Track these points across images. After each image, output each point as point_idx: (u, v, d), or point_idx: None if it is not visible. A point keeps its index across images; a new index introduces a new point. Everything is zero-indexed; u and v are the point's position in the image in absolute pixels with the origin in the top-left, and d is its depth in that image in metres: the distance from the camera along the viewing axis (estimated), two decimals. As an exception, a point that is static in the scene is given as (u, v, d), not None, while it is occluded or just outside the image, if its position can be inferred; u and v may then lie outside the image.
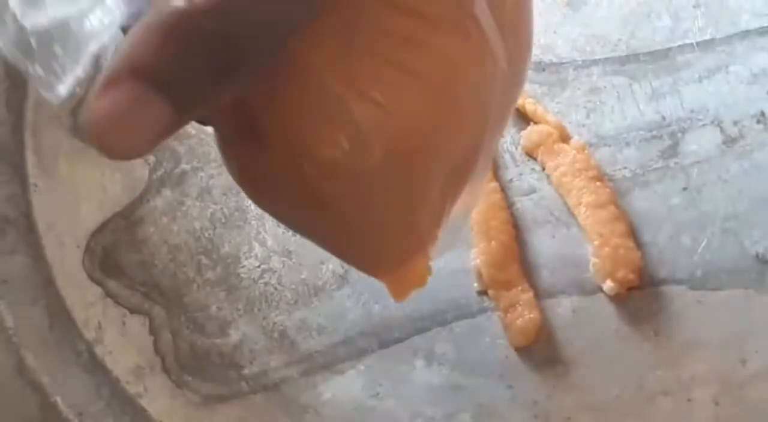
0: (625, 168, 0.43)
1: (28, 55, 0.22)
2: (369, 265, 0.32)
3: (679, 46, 0.44)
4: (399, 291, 0.33)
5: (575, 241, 0.42)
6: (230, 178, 0.46)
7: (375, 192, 0.26)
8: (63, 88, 0.21)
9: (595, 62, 0.44)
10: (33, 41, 0.21)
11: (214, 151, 0.46)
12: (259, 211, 0.44)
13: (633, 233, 0.41)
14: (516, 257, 0.41)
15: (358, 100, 0.24)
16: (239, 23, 0.20)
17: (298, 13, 0.22)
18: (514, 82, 0.29)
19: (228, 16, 0.19)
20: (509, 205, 0.43)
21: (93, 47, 0.21)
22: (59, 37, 0.21)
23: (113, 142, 0.19)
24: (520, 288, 0.41)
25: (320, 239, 0.30)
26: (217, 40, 0.20)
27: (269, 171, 0.26)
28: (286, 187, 0.26)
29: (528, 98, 0.44)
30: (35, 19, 0.21)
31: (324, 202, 0.26)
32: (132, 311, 0.44)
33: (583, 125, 0.44)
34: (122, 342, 0.44)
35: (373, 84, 0.24)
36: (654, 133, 0.43)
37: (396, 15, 0.24)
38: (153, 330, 0.44)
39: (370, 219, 0.28)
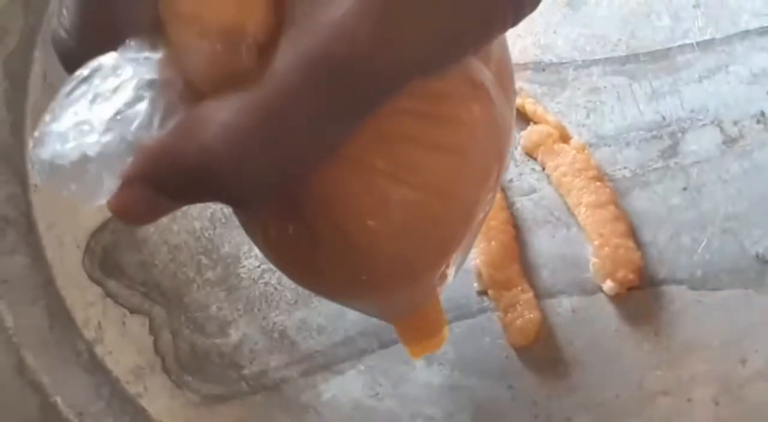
0: (625, 168, 0.43)
1: (64, 181, 0.23)
2: (388, 316, 0.34)
3: (679, 46, 0.44)
4: (416, 352, 0.36)
5: (575, 241, 0.42)
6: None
7: (410, 261, 0.28)
8: (100, 199, 0.23)
9: (595, 62, 0.44)
10: (69, 167, 0.23)
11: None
12: (259, 211, 0.45)
13: (633, 233, 0.41)
14: (516, 257, 0.41)
15: (395, 185, 0.26)
16: (231, 184, 0.23)
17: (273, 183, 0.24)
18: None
19: (220, 178, 0.23)
20: (509, 205, 0.43)
21: (124, 162, 0.23)
22: (94, 159, 0.23)
23: (128, 220, 0.24)
24: (520, 288, 0.41)
25: (346, 303, 0.32)
26: (215, 190, 0.24)
27: (315, 257, 0.27)
28: (334, 273, 0.28)
29: (528, 98, 0.44)
30: (69, 156, 0.23)
31: (363, 281, 0.28)
32: (132, 311, 0.44)
33: (583, 125, 0.44)
34: (122, 342, 0.44)
35: (407, 167, 0.26)
36: (654, 133, 0.43)
37: (412, 99, 0.25)
38: (153, 330, 0.44)
39: (400, 283, 0.29)
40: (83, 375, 0.44)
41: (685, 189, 0.42)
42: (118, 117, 0.22)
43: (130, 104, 0.22)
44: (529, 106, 0.43)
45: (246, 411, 0.42)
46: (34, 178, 0.47)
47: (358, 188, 0.26)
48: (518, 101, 0.43)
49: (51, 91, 0.48)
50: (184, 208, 0.45)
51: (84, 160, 0.22)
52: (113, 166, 0.23)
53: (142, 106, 0.22)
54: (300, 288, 0.43)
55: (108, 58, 0.23)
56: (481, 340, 0.41)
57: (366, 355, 0.42)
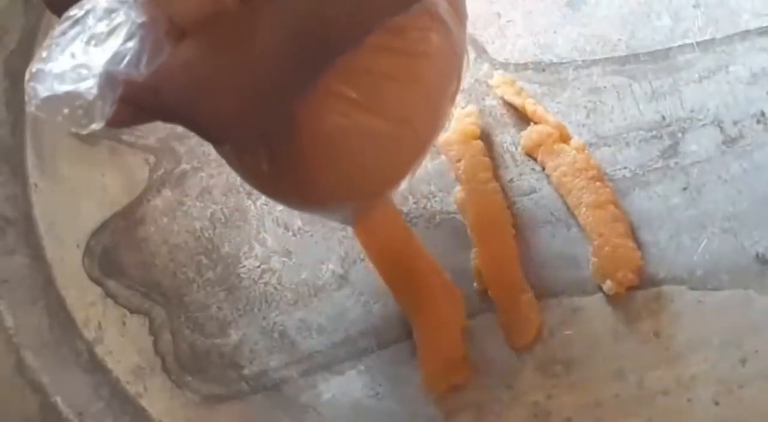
0: (625, 168, 0.43)
1: (56, 107, 0.24)
2: (349, 219, 0.38)
3: (679, 46, 0.44)
4: (436, 385, 0.40)
5: (575, 241, 0.42)
6: (230, 177, 0.46)
7: (374, 180, 0.32)
8: (96, 123, 0.25)
9: (595, 62, 0.44)
10: (62, 96, 0.24)
11: (214, 150, 0.46)
12: (259, 211, 0.45)
13: (633, 233, 0.41)
14: (516, 257, 0.41)
15: (365, 114, 0.29)
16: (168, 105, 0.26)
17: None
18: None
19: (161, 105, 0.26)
20: (509, 205, 0.42)
21: (115, 92, 0.25)
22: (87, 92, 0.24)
23: (115, 126, 0.26)
24: (520, 288, 0.41)
25: (313, 211, 0.36)
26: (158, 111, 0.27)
27: (287, 175, 0.30)
28: (292, 188, 0.31)
29: (528, 98, 0.44)
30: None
31: (328, 195, 0.31)
32: (132, 311, 0.44)
33: (583, 125, 0.44)
34: (122, 342, 0.44)
35: (375, 98, 0.29)
36: (654, 133, 0.43)
37: (377, 34, 0.27)
38: (153, 330, 0.44)
39: (364, 196, 0.33)
40: (83, 375, 0.44)
41: (685, 189, 0.42)
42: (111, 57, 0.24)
43: (121, 47, 0.24)
44: (529, 106, 0.43)
45: (246, 411, 0.42)
46: (34, 177, 0.47)
47: (331, 116, 0.28)
48: (518, 101, 0.43)
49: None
50: (184, 207, 0.45)
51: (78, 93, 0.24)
52: (105, 95, 0.24)
53: (131, 45, 0.24)
54: (300, 288, 0.43)
55: (102, 1, 0.24)
56: (480, 340, 0.41)
57: (366, 355, 0.42)
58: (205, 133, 0.26)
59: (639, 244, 0.41)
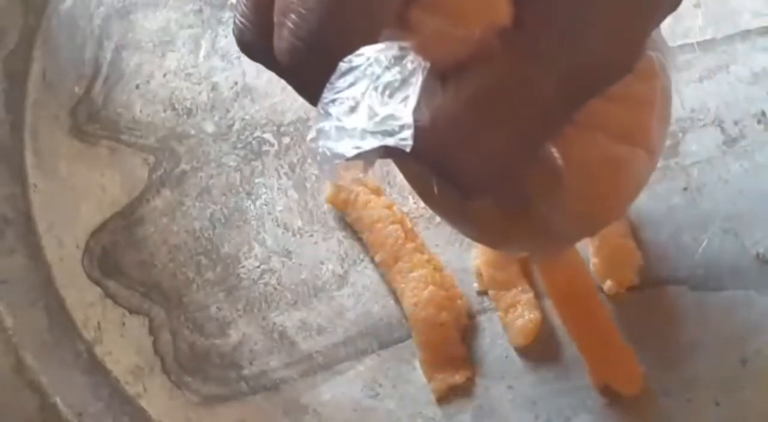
0: (625, 168, 0.42)
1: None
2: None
3: (679, 45, 0.44)
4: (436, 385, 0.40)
5: (575, 241, 0.42)
6: (230, 177, 0.46)
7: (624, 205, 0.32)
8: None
9: (596, 62, 0.44)
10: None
11: (213, 151, 0.46)
12: (259, 211, 0.45)
13: (633, 233, 0.41)
14: (516, 257, 0.41)
15: (614, 142, 0.29)
16: None
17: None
18: None
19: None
20: (509, 205, 0.42)
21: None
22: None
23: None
24: (520, 288, 0.41)
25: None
26: None
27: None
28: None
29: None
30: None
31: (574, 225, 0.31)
32: (131, 311, 0.44)
33: (584, 125, 0.43)
34: (122, 343, 0.44)
35: (620, 124, 0.29)
36: (654, 132, 0.43)
37: None
38: (152, 331, 0.44)
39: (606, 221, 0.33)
40: (83, 376, 0.44)
41: (685, 189, 0.42)
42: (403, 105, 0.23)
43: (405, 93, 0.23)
44: (529, 105, 0.43)
45: (246, 411, 0.42)
46: (34, 177, 0.47)
47: (589, 148, 0.28)
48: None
49: (50, 90, 0.48)
50: (184, 208, 0.45)
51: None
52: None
53: (413, 92, 0.23)
54: (300, 288, 0.43)
55: (377, 51, 0.23)
56: (481, 340, 0.41)
57: (366, 355, 0.42)
58: (464, 188, 0.25)
59: (639, 244, 0.41)
